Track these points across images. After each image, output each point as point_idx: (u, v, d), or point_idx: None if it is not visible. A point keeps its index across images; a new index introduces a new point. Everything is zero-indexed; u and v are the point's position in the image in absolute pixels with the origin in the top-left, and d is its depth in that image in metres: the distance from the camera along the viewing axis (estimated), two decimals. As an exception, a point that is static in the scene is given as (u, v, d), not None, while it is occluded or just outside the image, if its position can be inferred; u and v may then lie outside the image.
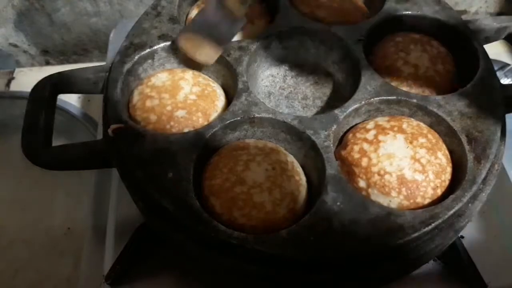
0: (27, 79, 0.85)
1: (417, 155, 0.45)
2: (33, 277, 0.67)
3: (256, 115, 0.48)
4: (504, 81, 0.78)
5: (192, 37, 0.50)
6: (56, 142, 0.49)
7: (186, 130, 0.48)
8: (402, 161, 0.45)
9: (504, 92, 0.51)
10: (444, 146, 0.48)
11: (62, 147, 0.48)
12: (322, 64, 0.57)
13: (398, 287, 0.51)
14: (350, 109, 0.48)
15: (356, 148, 0.47)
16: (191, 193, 0.42)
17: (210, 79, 0.53)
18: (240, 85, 0.50)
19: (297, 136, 0.48)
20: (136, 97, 0.51)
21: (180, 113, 0.48)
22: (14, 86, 0.84)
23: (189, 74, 0.52)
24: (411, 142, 0.46)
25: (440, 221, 0.42)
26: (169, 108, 0.49)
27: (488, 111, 0.49)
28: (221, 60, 0.52)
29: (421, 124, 0.49)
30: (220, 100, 0.51)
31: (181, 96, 0.50)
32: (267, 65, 0.57)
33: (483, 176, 0.44)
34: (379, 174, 0.45)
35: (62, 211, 0.73)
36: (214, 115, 0.49)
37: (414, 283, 0.52)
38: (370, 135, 0.47)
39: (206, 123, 0.48)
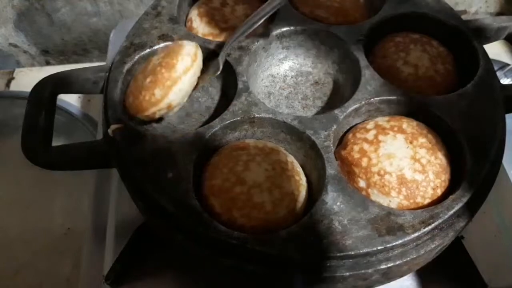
0: (27, 79, 0.85)
1: (417, 155, 0.45)
2: (33, 277, 0.67)
3: (256, 115, 0.48)
4: (504, 81, 0.78)
5: None
6: (56, 142, 0.49)
7: (156, 91, 0.46)
8: (402, 161, 0.45)
9: (504, 92, 0.51)
10: (444, 146, 0.48)
11: (62, 147, 0.48)
12: (322, 64, 0.58)
13: (398, 287, 0.51)
14: (350, 109, 0.48)
15: (356, 148, 0.47)
16: (191, 193, 0.42)
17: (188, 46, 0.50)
18: (240, 85, 0.50)
19: (297, 136, 0.48)
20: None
21: (147, 80, 0.47)
22: (14, 86, 0.85)
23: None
24: (411, 142, 0.46)
25: (440, 221, 0.42)
26: (140, 81, 0.48)
27: (488, 111, 0.49)
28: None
29: (421, 124, 0.49)
30: (183, 63, 0.48)
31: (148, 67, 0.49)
32: (267, 65, 0.57)
33: (483, 176, 0.44)
34: (379, 174, 0.45)
35: (62, 211, 0.73)
36: (179, 68, 0.47)
37: (414, 283, 0.52)
38: (370, 135, 0.47)
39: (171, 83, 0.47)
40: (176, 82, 0.47)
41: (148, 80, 0.47)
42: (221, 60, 0.50)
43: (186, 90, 0.49)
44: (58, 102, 0.53)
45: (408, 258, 0.41)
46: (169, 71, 0.47)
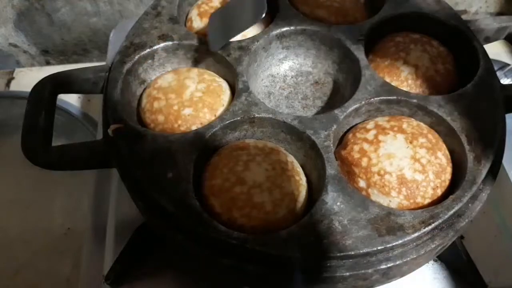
0: (27, 79, 0.85)
1: (417, 155, 0.45)
2: (33, 277, 0.67)
3: (256, 115, 0.48)
4: (504, 81, 0.78)
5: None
6: (56, 142, 0.49)
7: (194, 127, 0.48)
8: (402, 161, 0.45)
9: (504, 92, 0.51)
10: (444, 146, 0.48)
11: (62, 147, 0.48)
12: (322, 64, 0.58)
13: (398, 287, 0.51)
14: (350, 109, 0.48)
15: (356, 148, 0.47)
16: (191, 193, 0.42)
17: (215, 74, 0.53)
18: (240, 85, 0.50)
19: (297, 136, 0.48)
20: (144, 100, 0.51)
21: (186, 111, 0.49)
22: (14, 86, 0.85)
23: (195, 72, 0.53)
24: (411, 142, 0.46)
25: (440, 221, 0.42)
26: (175, 107, 0.49)
27: (488, 111, 0.49)
28: (221, 60, 0.52)
29: (421, 124, 0.49)
30: (226, 94, 0.51)
31: (187, 94, 0.50)
32: (267, 65, 0.57)
33: (483, 176, 0.44)
34: (379, 174, 0.45)
35: (62, 211, 0.73)
36: (220, 109, 0.50)
37: (414, 283, 0.52)
38: (370, 135, 0.47)
39: (213, 118, 0.49)
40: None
41: (187, 112, 0.49)
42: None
43: None
44: (58, 102, 0.53)
45: (408, 258, 0.41)
46: (210, 113, 0.49)
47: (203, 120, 0.48)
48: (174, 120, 0.48)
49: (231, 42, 0.53)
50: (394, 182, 0.44)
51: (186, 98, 0.50)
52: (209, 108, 0.49)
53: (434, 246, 0.42)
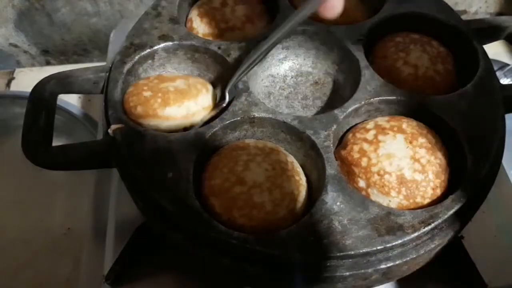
0: (27, 79, 0.85)
1: (416, 155, 0.45)
2: (33, 277, 0.67)
3: (256, 115, 0.48)
4: (504, 81, 0.78)
5: None
6: (56, 142, 0.49)
7: (138, 108, 0.48)
8: (401, 161, 0.45)
9: (503, 92, 0.51)
10: (444, 146, 0.48)
11: (62, 147, 0.48)
12: (322, 64, 0.58)
13: (398, 287, 0.51)
14: (350, 109, 0.48)
15: (356, 148, 0.47)
16: (191, 193, 0.42)
17: (210, 85, 0.52)
18: (240, 85, 0.50)
19: (297, 136, 0.48)
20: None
21: (146, 93, 0.49)
22: (14, 86, 0.84)
23: (196, 79, 0.53)
24: (411, 142, 0.46)
25: (440, 221, 0.42)
26: (145, 87, 0.50)
27: (488, 111, 0.49)
28: (221, 60, 0.52)
29: (421, 124, 0.49)
30: (196, 103, 0.49)
31: (164, 85, 0.50)
32: (267, 65, 0.57)
33: (482, 176, 0.44)
34: (378, 174, 0.45)
35: (62, 211, 0.73)
36: (174, 109, 0.48)
37: (414, 283, 0.52)
38: (370, 135, 0.47)
39: (159, 110, 0.48)
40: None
41: (145, 94, 0.49)
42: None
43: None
44: (58, 102, 0.53)
45: (408, 258, 0.41)
46: (160, 103, 0.49)
47: (148, 107, 0.48)
48: (132, 93, 0.49)
49: (231, 42, 0.53)
50: (394, 182, 0.44)
51: (161, 86, 0.50)
52: (162, 100, 0.48)
53: (434, 246, 0.42)
